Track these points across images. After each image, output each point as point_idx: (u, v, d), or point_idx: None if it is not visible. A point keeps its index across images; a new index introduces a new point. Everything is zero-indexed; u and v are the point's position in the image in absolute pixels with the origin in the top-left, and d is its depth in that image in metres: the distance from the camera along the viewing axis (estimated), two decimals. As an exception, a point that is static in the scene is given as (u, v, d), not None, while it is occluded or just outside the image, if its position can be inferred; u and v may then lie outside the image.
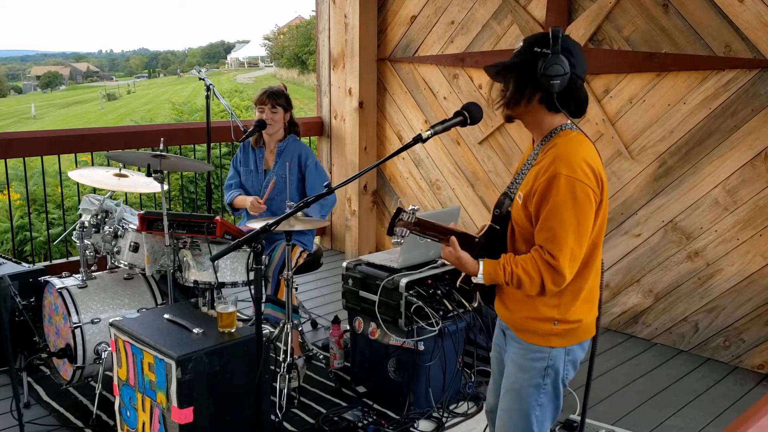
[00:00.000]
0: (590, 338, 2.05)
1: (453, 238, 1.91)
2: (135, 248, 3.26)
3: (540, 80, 1.85)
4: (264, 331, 2.30)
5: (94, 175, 3.51)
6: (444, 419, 3.08)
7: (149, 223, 3.18)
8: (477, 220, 4.94)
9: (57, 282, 3.15)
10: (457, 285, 2.12)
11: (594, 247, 1.93)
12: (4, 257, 3.80)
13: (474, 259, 1.94)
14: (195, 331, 2.58)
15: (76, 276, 3.23)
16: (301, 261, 3.69)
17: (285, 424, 3.05)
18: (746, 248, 3.64)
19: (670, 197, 3.89)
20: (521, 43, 1.92)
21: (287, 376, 3.13)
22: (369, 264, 3.33)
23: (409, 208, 1.92)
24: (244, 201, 3.69)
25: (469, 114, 2.00)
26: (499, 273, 1.87)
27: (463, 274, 2.08)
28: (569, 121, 1.94)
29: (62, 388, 3.26)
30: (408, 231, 1.93)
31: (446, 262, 1.96)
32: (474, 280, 1.93)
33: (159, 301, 3.28)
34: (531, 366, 1.99)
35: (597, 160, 1.89)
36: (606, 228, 4.26)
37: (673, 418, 3.21)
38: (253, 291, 2.08)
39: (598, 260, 1.97)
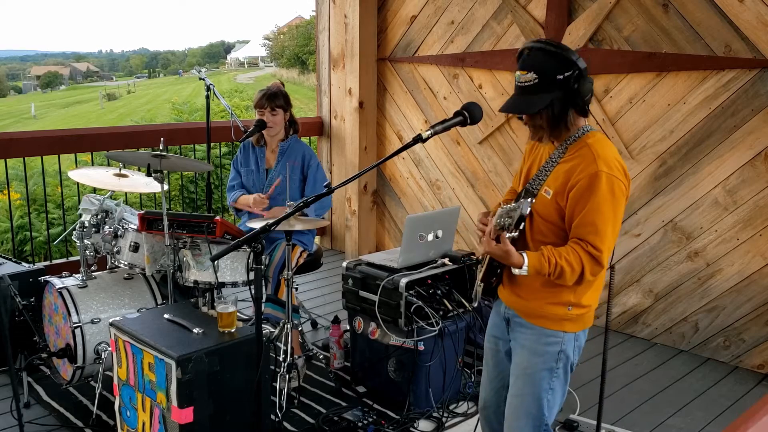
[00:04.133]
0: (589, 327, 2.14)
1: (503, 233, 1.92)
2: (135, 248, 3.26)
3: (575, 99, 1.96)
4: (264, 331, 2.30)
5: (94, 175, 3.51)
6: (444, 419, 3.09)
7: (149, 223, 3.18)
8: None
9: (57, 282, 3.15)
10: (479, 281, 2.16)
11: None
12: (4, 257, 3.80)
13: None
14: (195, 331, 2.58)
15: (76, 276, 3.23)
16: (301, 261, 3.69)
17: (285, 424, 3.05)
18: (746, 248, 3.64)
19: (670, 197, 3.89)
20: (532, 75, 1.93)
21: (287, 376, 3.13)
22: (369, 264, 3.33)
23: (529, 201, 1.92)
24: (247, 200, 3.69)
25: (469, 114, 2.04)
26: (544, 264, 1.90)
27: (482, 271, 2.14)
28: (587, 122, 2.06)
29: (62, 388, 3.26)
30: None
31: (491, 253, 1.96)
32: (517, 272, 1.94)
33: (159, 301, 3.27)
34: (545, 350, 2.06)
35: (621, 159, 2.03)
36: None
37: (673, 418, 3.22)
38: (253, 291, 2.09)
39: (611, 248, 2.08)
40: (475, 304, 3.26)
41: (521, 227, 1.88)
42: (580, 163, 1.94)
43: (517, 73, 1.97)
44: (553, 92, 1.93)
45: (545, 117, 1.98)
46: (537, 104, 1.94)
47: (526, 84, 1.95)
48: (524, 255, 1.91)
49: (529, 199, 1.88)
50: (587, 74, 1.97)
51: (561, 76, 1.92)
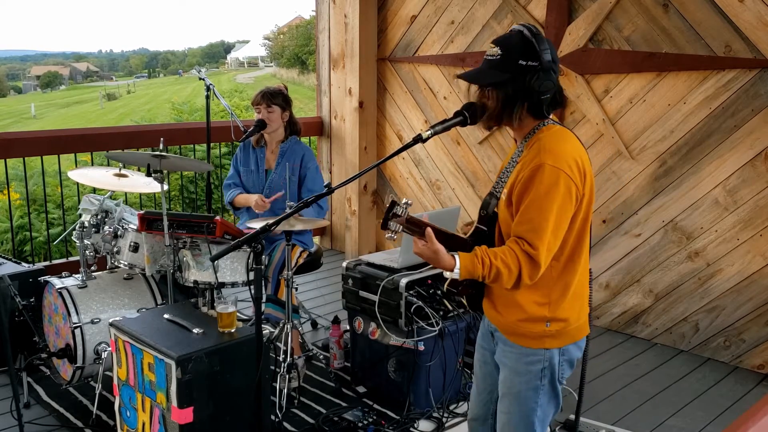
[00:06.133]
0: (585, 336, 2.03)
1: (429, 230, 1.77)
2: (135, 248, 3.26)
3: (531, 95, 1.85)
4: (264, 331, 2.30)
5: (94, 175, 3.51)
6: (444, 419, 3.08)
7: (149, 223, 3.18)
8: (477, 220, 4.94)
9: (57, 282, 3.15)
10: (445, 289, 2.06)
11: (579, 240, 1.92)
12: (4, 257, 3.80)
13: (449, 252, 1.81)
14: (195, 331, 2.58)
15: (76, 276, 3.23)
16: (301, 260, 3.69)
17: (285, 424, 3.05)
18: (746, 248, 3.63)
19: (670, 197, 3.89)
20: (497, 50, 1.88)
21: (287, 376, 3.13)
22: (369, 264, 3.33)
23: (403, 202, 1.76)
24: (248, 199, 3.68)
25: (469, 114, 1.98)
26: (477, 266, 1.77)
27: (449, 278, 2.01)
28: (550, 117, 1.95)
29: (62, 388, 3.26)
30: (401, 227, 1.78)
31: (419, 254, 1.81)
32: (448, 275, 1.80)
33: (159, 301, 3.27)
34: (527, 369, 1.97)
35: (582, 152, 1.89)
36: (606, 228, 4.27)
37: (673, 418, 3.21)
38: (253, 291, 2.08)
39: (584, 254, 1.96)
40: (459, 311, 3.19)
41: (389, 226, 1.75)
42: (528, 158, 1.85)
43: (489, 45, 1.93)
44: (510, 74, 1.84)
45: (493, 97, 1.88)
46: (488, 78, 1.87)
47: (490, 58, 1.89)
48: (456, 256, 1.77)
49: (405, 201, 1.74)
50: (552, 73, 1.84)
51: (523, 63, 1.83)
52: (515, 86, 1.85)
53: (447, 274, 1.80)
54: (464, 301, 2.09)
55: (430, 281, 3.15)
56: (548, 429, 2.63)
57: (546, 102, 1.87)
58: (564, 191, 1.80)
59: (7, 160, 4.62)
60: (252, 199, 3.64)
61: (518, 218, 1.83)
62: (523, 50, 1.85)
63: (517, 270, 1.79)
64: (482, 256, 1.78)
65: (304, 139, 4.90)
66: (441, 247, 1.78)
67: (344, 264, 3.39)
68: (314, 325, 4.24)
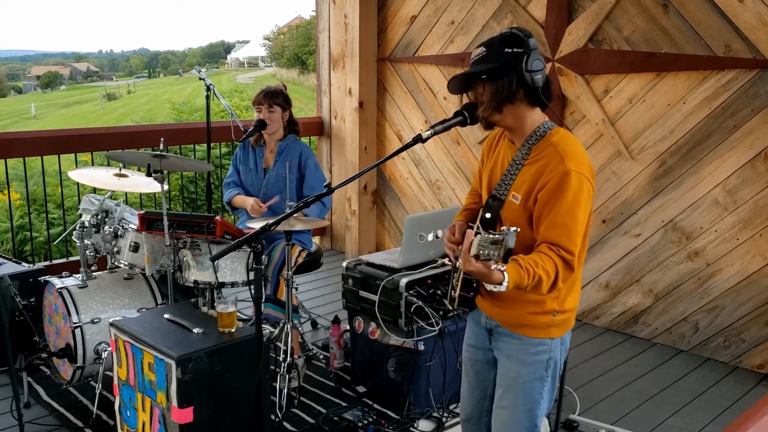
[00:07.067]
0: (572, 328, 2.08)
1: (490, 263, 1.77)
2: (135, 248, 3.26)
3: (523, 77, 1.87)
4: (264, 331, 2.30)
5: (94, 175, 3.51)
6: (444, 419, 3.08)
7: (149, 223, 3.18)
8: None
9: (57, 282, 3.15)
10: (456, 294, 2.03)
11: (585, 236, 1.97)
12: (4, 257, 3.80)
13: None
14: (195, 331, 2.58)
15: (76, 276, 3.23)
16: (300, 260, 3.69)
17: (285, 424, 3.06)
18: (746, 248, 3.64)
19: (670, 197, 3.89)
20: (481, 48, 1.91)
21: (287, 376, 3.13)
22: (369, 264, 3.33)
23: (512, 230, 1.63)
24: (244, 201, 3.69)
25: (469, 114, 1.98)
26: (524, 276, 1.76)
27: (459, 282, 2.02)
28: (547, 119, 1.97)
29: (62, 388, 3.26)
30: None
31: (472, 273, 1.75)
32: (495, 288, 1.75)
33: (159, 301, 3.28)
34: (534, 360, 2.00)
35: (587, 155, 1.96)
36: (606, 228, 4.27)
37: (673, 418, 3.21)
38: (253, 291, 2.09)
39: (585, 250, 2.00)
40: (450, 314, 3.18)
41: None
42: (548, 163, 1.86)
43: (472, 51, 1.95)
44: (499, 63, 1.87)
45: (488, 88, 1.90)
46: (479, 68, 1.89)
47: (476, 57, 1.91)
48: (504, 271, 1.74)
49: (513, 229, 1.63)
50: (538, 56, 1.89)
51: (509, 50, 1.86)
52: (509, 75, 1.88)
53: (494, 287, 1.75)
54: (455, 299, 2.06)
55: (430, 281, 3.16)
56: (548, 429, 2.64)
57: (539, 83, 1.89)
58: (586, 195, 1.86)
59: (7, 160, 4.62)
60: (248, 202, 3.64)
61: (548, 223, 1.84)
62: (506, 41, 1.89)
63: (555, 276, 1.81)
64: (526, 266, 1.77)
65: (305, 139, 4.90)
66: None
67: (344, 264, 3.39)
68: (314, 325, 4.24)
